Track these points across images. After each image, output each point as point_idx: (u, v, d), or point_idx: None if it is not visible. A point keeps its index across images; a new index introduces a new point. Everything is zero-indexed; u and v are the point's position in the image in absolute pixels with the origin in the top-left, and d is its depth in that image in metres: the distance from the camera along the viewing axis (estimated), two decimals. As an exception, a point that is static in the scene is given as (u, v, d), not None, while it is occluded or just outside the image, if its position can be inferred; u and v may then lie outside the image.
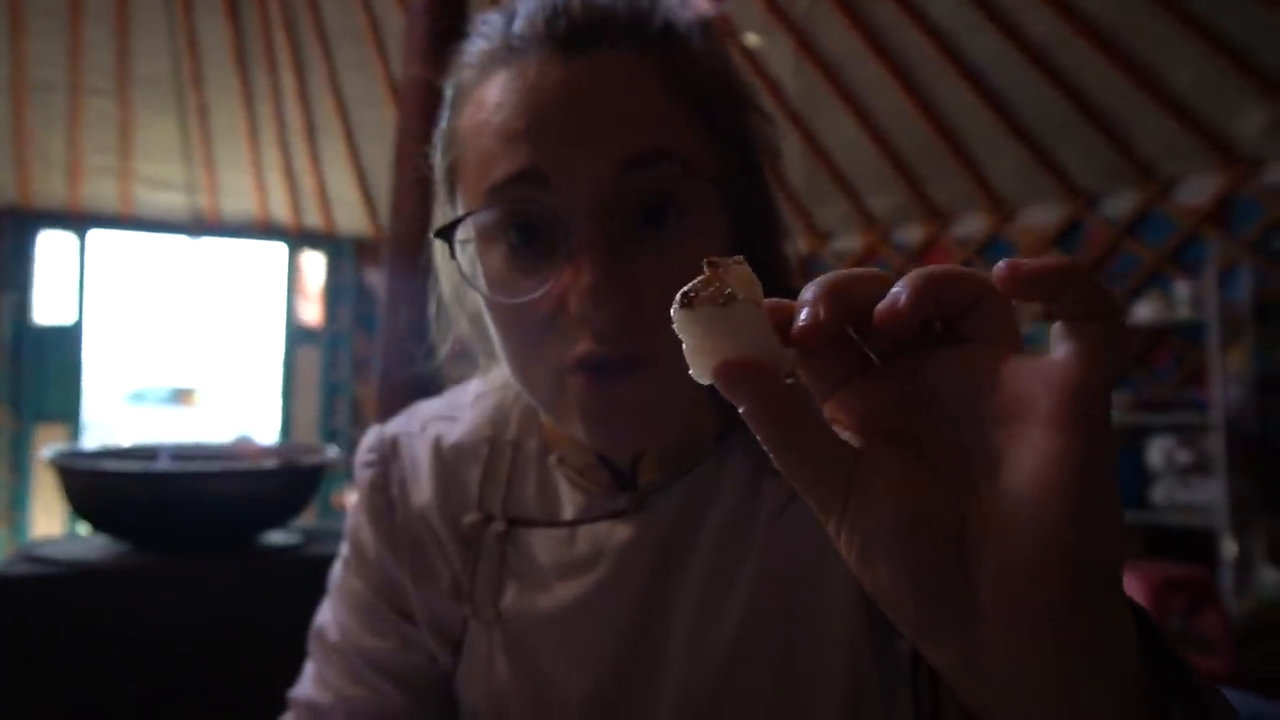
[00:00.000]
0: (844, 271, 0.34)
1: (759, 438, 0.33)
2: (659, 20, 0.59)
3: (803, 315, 0.33)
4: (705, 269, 0.34)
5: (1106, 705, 0.29)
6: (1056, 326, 0.31)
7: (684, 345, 0.34)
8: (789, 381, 0.34)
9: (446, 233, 0.59)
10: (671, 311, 0.34)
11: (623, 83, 0.56)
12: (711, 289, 0.33)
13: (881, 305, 0.32)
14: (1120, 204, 4.40)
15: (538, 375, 0.60)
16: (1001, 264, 0.31)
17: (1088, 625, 0.28)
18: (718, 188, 0.58)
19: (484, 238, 0.59)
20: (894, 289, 0.32)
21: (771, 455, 0.33)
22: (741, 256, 0.35)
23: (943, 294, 0.32)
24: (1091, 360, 0.29)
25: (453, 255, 0.60)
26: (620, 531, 0.65)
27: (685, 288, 0.34)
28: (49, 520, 5.58)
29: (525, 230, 0.57)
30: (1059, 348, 0.30)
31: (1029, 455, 0.29)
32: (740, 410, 0.33)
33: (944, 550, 0.30)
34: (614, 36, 0.57)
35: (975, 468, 0.31)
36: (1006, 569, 0.29)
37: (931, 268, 0.33)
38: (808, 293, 0.34)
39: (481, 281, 0.60)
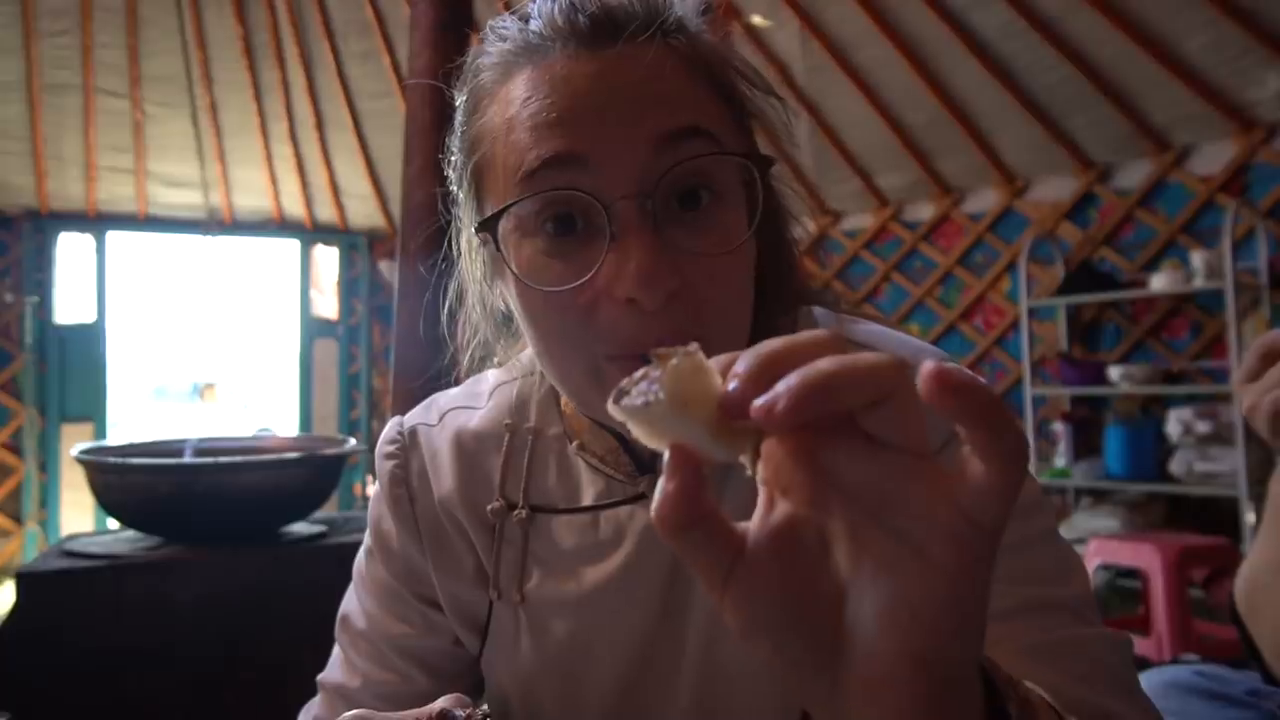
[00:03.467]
0: (773, 347, 0.33)
1: (657, 513, 0.34)
2: (673, 14, 0.61)
3: (732, 388, 0.33)
4: (652, 359, 0.34)
5: None
6: (965, 447, 0.31)
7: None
8: (744, 464, 0.34)
9: (490, 224, 0.59)
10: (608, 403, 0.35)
11: (650, 68, 0.57)
12: (640, 386, 0.34)
13: (758, 404, 0.31)
14: (1134, 174, 4.36)
15: (573, 366, 0.60)
16: (929, 369, 0.30)
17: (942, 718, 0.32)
18: (746, 165, 0.59)
19: (518, 229, 0.59)
20: (777, 387, 0.31)
21: (661, 534, 0.34)
22: (696, 345, 0.35)
23: (835, 397, 0.31)
24: (993, 499, 0.30)
25: (497, 247, 0.60)
26: (641, 515, 0.67)
27: (622, 382, 0.35)
28: (77, 517, 5.67)
29: (562, 220, 0.57)
30: (965, 473, 0.31)
31: (908, 573, 0.31)
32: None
33: (818, 639, 0.33)
34: (634, 29, 0.58)
35: (862, 571, 0.33)
36: (870, 668, 0.32)
37: (827, 364, 0.31)
38: (739, 365, 0.33)
39: (520, 272, 0.59)
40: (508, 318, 0.69)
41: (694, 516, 0.33)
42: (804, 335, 0.34)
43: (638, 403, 0.33)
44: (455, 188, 0.67)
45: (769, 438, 0.34)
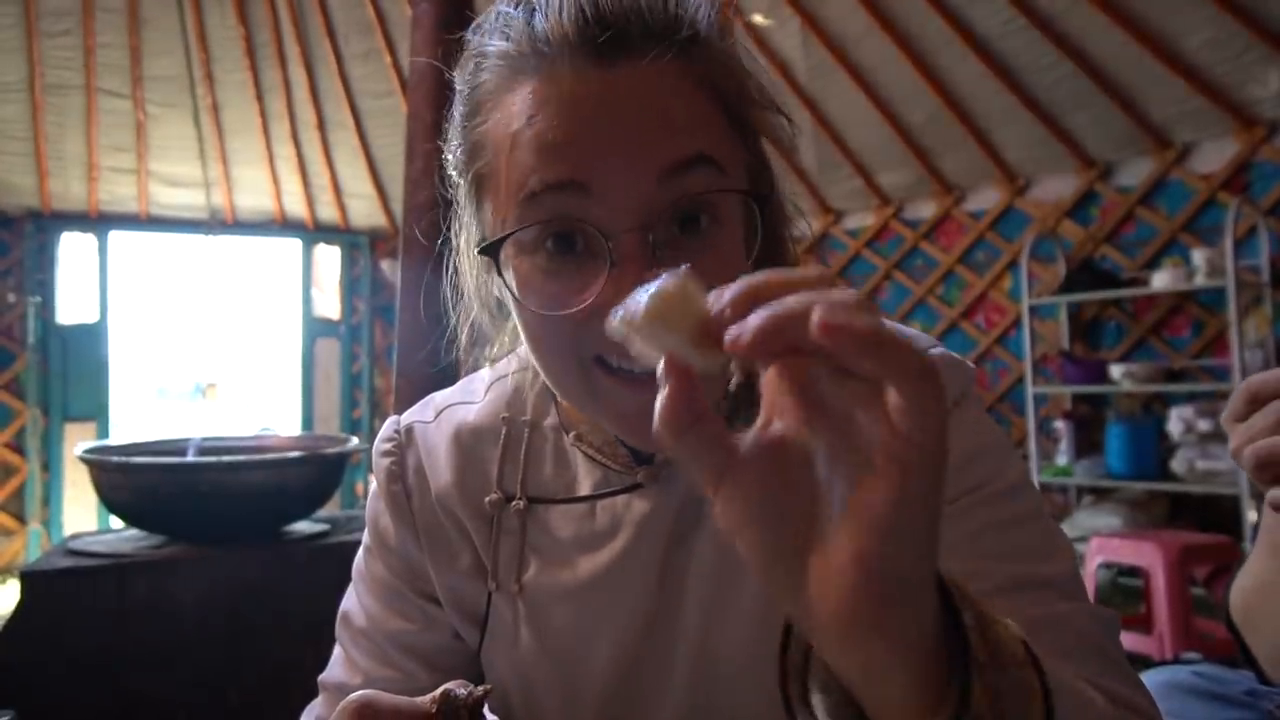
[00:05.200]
0: (764, 279, 0.37)
1: (660, 417, 0.37)
2: (686, 24, 0.59)
3: (715, 310, 0.37)
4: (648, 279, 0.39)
5: (903, 675, 0.37)
6: (891, 390, 0.34)
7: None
8: (730, 377, 0.39)
9: (493, 250, 0.60)
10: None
11: (659, 91, 0.57)
12: (627, 302, 0.39)
13: (730, 332, 0.35)
14: (1135, 172, 4.36)
15: (564, 371, 0.62)
16: (815, 321, 0.33)
17: (891, 623, 0.35)
18: (748, 193, 0.60)
19: (516, 245, 0.60)
20: (749, 319, 0.35)
21: (665, 438, 0.37)
22: (685, 266, 0.39)
23: (796, 334, 0.34)
24: (914, 416, 0.33)
25: (499, 272, 0.61)
26: (637, 505, 0.68)
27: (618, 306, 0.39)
28: (80, 516, 5.68)
29: (562, 240, 0.58)
30: (888, 397, 0.34)
31: (861, 482, 0.35)
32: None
33: (794, 535, 0.36)
34: (646, 43, 0.56)
35: (834, 481, 0.36)
36: (827, 563, 0.35)
37: (796, 302, 0.34)
38: (728, 290, 0.37)
39: (517, 289, 0.60)
40: (503, 306, 0.70)
41: (693, 416, 0.36)
42: (798, 271, 0.37)
43: (617, 317, 0.39)
44: (454, 173, 0.66)
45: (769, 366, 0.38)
